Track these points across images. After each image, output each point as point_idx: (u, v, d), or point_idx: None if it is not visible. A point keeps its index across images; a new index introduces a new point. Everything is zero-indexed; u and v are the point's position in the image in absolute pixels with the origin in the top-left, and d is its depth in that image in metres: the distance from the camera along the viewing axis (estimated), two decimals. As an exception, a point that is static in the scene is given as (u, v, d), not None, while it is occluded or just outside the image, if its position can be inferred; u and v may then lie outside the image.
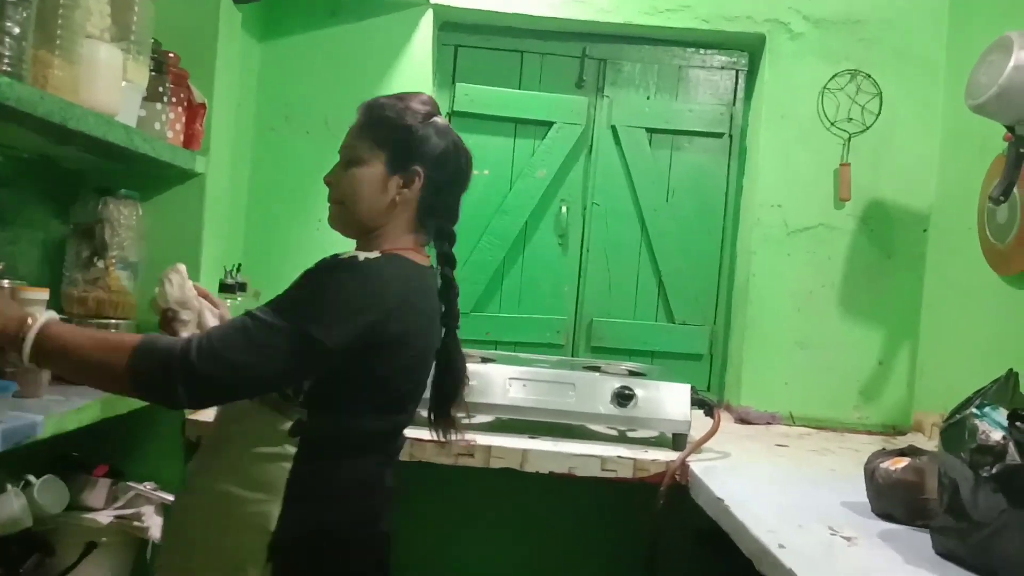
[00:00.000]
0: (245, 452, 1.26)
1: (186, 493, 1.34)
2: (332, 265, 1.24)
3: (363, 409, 1.30)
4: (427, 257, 1.42)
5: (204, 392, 1.18)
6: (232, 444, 1.29)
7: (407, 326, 1.29)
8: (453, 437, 1.51)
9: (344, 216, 1.37)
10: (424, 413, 1.49)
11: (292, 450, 1.25)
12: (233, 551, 1.23)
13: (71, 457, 1.69)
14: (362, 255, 1.26)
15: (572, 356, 2.66)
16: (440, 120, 1.39)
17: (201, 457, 1.35)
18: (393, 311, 1.25)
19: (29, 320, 1.17)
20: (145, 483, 1.71)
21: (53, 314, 1.23)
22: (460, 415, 1.51)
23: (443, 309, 1.43)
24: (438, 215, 1.41)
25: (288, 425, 1.25)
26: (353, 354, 1.22)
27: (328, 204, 1.39)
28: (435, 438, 1.50)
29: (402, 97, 1.39)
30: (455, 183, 1.41)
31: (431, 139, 1.35)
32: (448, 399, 1.47)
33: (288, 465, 1.24)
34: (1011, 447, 1.16)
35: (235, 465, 1.26)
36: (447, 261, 1.43)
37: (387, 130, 1.35)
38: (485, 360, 2.06)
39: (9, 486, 1.45)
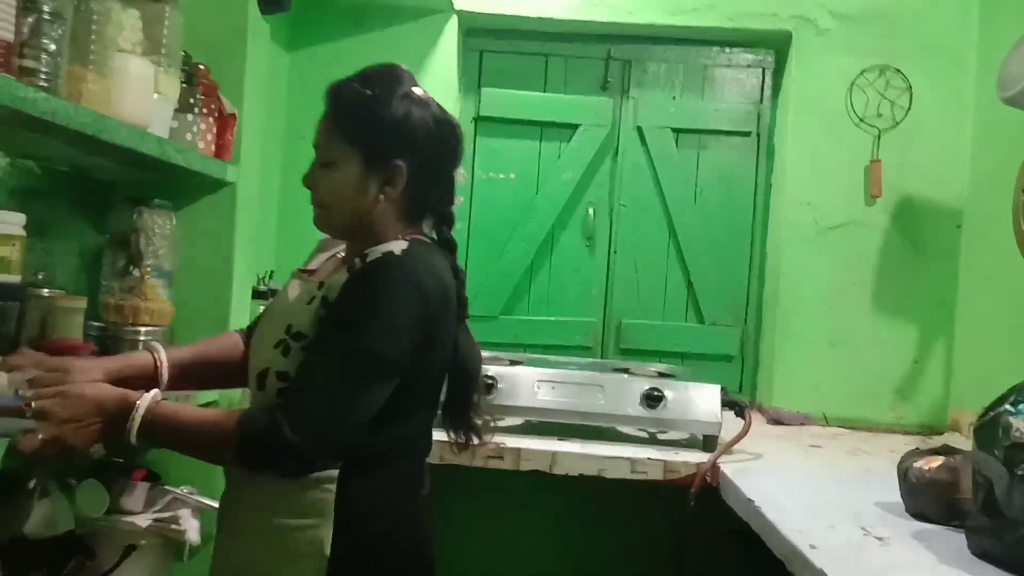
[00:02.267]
0: (286, 482, 1.19)
1: (229, 534, 1.28)
2: (368, 274, 1.17)
3: (400, 415, 1.22)
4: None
5: (314, 460, 1.15)
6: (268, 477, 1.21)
7: (441, 313, 1.22)
8: (474, 441, 1.39)
9: (328, 219, 1.28)
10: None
11: (335, 472, 1.20)
12: None
13: (111, 461, 1.71)
14: (397, 248, 1.18)
15: (601, 358, 2.66)
16: (417, 97, 1.25)
17: (234, 494, 1.28)
18: (433, 303, 1.20)
19: (137, 403, 1.14)
20: (182, 487, 1.73)
21: (156, 393, 1.18)
22: (482, 419, 1.40)
23: None
24: (431, 201, 1.30)
25: None
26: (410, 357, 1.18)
27: (312, 206, 1.30)
28: (453, 441, 1.39)
29: (370, 77, 1.25)
30: (443, 164, 1.29)
31: (408, 125, 1.22)
32: (463, 396, 1.36)
33: (332, 487, 1.19)
34: (1046, 444, 1.14)
35: (279, 496, 1.20)
36: (447, 245, 1.32)
37: (359, 125, 1.23)
38: (514, 363, 2.07)
39: (52, 489, 1.49)
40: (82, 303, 1.45)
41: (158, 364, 1.33)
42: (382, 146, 1.23)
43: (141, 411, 1.13)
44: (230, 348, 1.43)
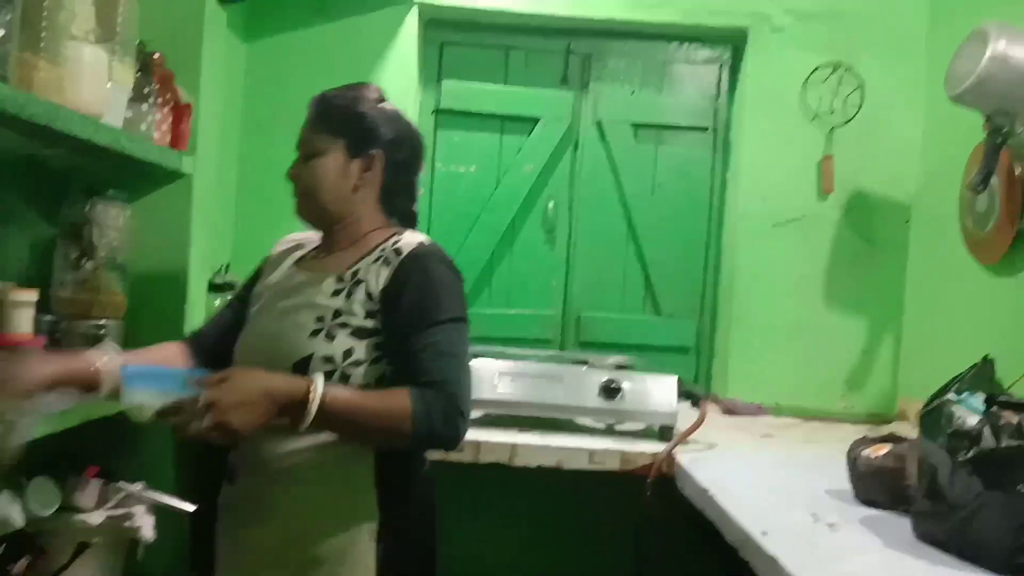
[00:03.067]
0: (330, 453, 1.31)
1: (271, 509, 1.33)
2: (416, 257, 1.33)
3: None
4: None
5: (467, 424, 1.29)
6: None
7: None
8: None
9: (311, 206, 1.42)
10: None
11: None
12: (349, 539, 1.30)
13: (62, 458, 1.67)
14: (426, 240, 1.38)
15: (561, 351, 2.68)
16: (389, 105, 1.45)
17: (277, 464, 1.32)
18: (463, 284, 1.39)
19: (310, 389, 1.20)
20: (136, 483, 1.70)
21: (320, 378, 1.23)
22: None
23: None
24: (400, 196, 1.46)
25: None
26: None
27: (294, 198, 1.44)
28: None
29: (350, 87, 1.45)
30: (411, 164, 1.46)
31: (384, 123, 1.42)
32: None
33: (371, 457, 1.32)
34: (986, 431, 1.18)
35: (326, 468, 1.31)
36: None
37: (342, 119, 1.41)
38: (474, 356, 2.07)
39: (1, 487, 1.46)
40: (32, 296, 1.42)
41: (100, 373, 1.28)
42: (363, 136, 1.40)
43: (316, 401, 1.19)
44: (171, 358, 1.44)
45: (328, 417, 1.21)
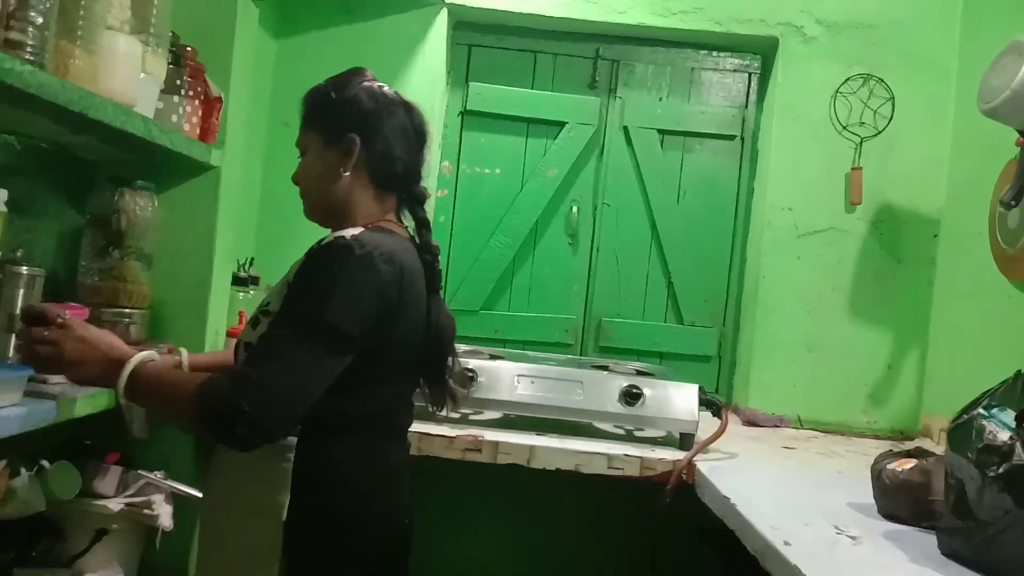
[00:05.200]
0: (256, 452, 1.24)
1: (210, 494, 1.39)
2: (322, 254, 1.24)
3: (360, 387, 1.27)
4: (402, 226, 1.42)
5: (267, 429, 1.17)
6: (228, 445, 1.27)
7: (401, 296, 1.28)
8: (450, 408, 1.50)
9: (309, 206, 1.42)
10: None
11: (294, 439, 1.27)
12: (259, 545, 1.26)
13: (83, 444, 1.69)
14: (348, 233, 1.26)
15: (581, 356, 2.67)
16: (366, 83, 1.38)
17: (218, 460, 1.37)
18: (388, 284, 1.25)
19: (128, 360, 1.20)
20: (155, 472, 1.72)
21: (152, 354, 1.25)
22: (459, 387, 1.51)
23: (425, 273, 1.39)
24: (396, 175, 1.39)
25: None
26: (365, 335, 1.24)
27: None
28: (431, 407, 1.49)
29: (331, 78, 1.42)
30: (399, 138, 1.38)
31: (355, 103, 1.36)
32: (439, 365, 1.45)
33: (291, 454, 1.26)
34: (1018, 447, 1.15)
35: (248, 463, 1.27)
36: (420, 222, 1.42)
37: (314, 110, 1.40)
38: (494, 357, 2.07)
39: (23, 470, 1.46)
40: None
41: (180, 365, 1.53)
42: (334, 123, 1.36)
43: (128, 368, 1.20)
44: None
45: (136, 391, 1.20)
